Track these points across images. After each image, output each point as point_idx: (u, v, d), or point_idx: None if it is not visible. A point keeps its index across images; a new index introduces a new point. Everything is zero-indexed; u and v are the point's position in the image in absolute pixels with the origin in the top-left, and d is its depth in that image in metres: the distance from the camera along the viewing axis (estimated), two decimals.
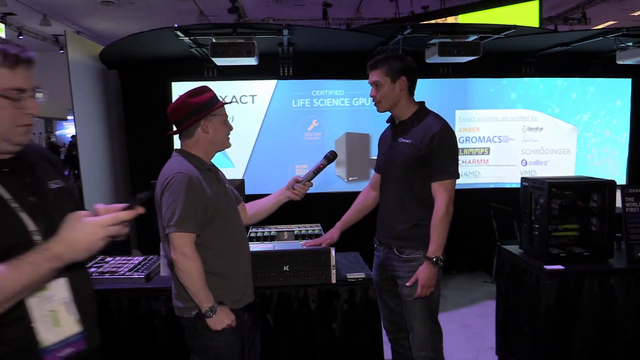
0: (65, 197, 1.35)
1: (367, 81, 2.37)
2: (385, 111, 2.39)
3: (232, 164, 4.83)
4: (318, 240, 2.46)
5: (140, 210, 1.18)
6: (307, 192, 2.23)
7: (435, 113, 2.38)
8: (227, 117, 2.01)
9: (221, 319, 1.86)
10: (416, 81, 2.37)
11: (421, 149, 2.26)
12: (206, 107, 1.91)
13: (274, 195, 2.23)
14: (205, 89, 1.97)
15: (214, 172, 2.02)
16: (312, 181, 2.24)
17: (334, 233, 2.48)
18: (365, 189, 2.62)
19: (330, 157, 2.27)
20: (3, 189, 1.21)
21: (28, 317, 1.17)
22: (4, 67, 1.17)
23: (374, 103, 2.38)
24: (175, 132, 1.97)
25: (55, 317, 1.20)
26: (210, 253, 1.89)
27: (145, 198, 1.18)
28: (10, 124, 1.20)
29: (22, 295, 1.08)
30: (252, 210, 2.23)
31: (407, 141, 2.32)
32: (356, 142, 4.97)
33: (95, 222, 1.12)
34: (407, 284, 2.28)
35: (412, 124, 2.34)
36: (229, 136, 2.02)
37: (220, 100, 1.99)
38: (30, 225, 1.21)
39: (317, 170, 2.23)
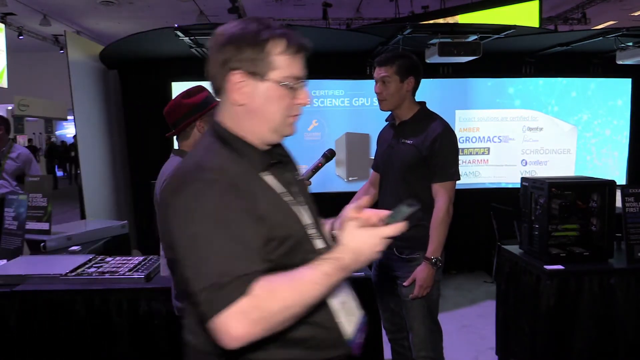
0: (305, 189, 1.31)
1: (367, 81, 2.38)
2: (388, 110, 2.38)
3: None
4: None
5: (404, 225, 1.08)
6: None
7: (436, 114, 2.38)
8: None
9: None
10: (420, 82, 2.37)
11: (422, 151, 2.26)
12: (201, 107, 1.90)
13: None
14: (200, 89, 1.95)
15: None
16: (311, 180, 2.23)
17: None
18: (366, 184, 2.62)
19: (329, 155, 2.26)
20: (277, 182, 1.15)
21: (334, 315, 1.16)
22: (287, 54, 1.10)
23: (377, 100, 2.35)
24: (173, 134, 1.96)
25: (347, 307, 1.20)
26: None
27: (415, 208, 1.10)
28: (285, 114, 1.15)
29: (314, 304, 1.03)
30: None
31: (409, 142, 2.31)
32: (356, 142, 4.97)
33: (376, 232, 1.05)
34: (405, 284, 2.28)
35: (413, 124, 2.33)
36: None
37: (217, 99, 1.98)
38: (305, 218, 1.17)
39: (316, 169, 2.22)
